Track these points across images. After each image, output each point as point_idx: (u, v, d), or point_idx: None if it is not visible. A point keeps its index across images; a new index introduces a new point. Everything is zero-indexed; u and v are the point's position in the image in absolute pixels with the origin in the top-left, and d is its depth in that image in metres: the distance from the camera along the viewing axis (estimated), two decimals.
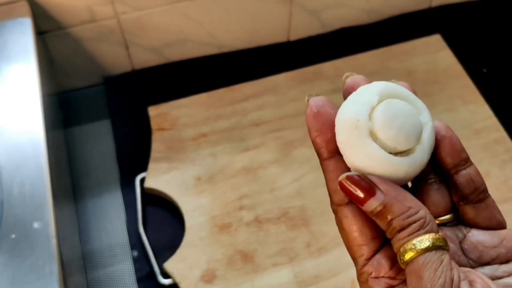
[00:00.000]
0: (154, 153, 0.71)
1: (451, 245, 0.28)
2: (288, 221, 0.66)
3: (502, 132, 0.74)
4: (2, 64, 0.60)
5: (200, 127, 0.74)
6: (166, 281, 0.63)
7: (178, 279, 0.62)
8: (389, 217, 0.26)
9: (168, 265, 0.63)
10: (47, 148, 0.54)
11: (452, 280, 0.25)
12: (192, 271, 0.62)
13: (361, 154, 0.27)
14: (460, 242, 0.29)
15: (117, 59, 0.79)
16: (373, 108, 0.27)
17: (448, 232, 0.29)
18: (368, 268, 0.28)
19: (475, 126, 0.75)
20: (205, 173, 0.70)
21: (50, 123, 0.61)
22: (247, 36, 0.83)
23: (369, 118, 0.27)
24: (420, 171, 0.28)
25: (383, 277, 0.28)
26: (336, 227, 0.30)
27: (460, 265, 0.28)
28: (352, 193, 0.27)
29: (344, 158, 0.28)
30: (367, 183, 0.27)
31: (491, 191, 0.30)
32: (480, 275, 0.27)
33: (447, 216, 0.29)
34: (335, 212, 0.29)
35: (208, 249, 0.64)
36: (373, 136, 0.27)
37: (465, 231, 0.29)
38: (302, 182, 0.69)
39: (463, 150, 0.30)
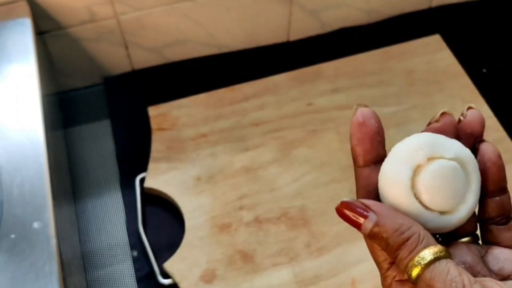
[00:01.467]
0: (154, 153, 0.71)
1: (473, 257, 0.29)
2: (288, 221, 0.66)
3: (502, 132, 0.74)
4: (1, 64, 0.60)
5: (200, 127, 0.74)
6: (166, 281, 0.63)
7: (178, 279, 0.62)
8: (384, 236, 0.27)
9: (168, 265, 0.63)
10: (47, 148, 0.54)
11: (463, 285, 0.26)
12: (192, 271, 0.62)
13: (403, 210, 0.28)
14: (482, 257, 0.30)
15: (116, 59, 0.79)
16: (418, 166, 0.29)
17: (471, 247, 0.30)
18: (391, 272, 0.29)
19: None
20: (205, 173, 0.70)
21: (50, 123, 0.61)
22: (247, 36, 0.83)
23: (414, 175, 0.28)
24: (448, 230, 0.30)
25: (406, 280, 0.28)
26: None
27: (482, 276, 0.29)
28: (350, 218, 0.28)
29: (379, 184, 0.30)
30: (360, 206, 0.28)
31: None
32: (497, 281, 0.27)
33: (467, 238, 0.31)
34: None
35: (208, 249, 0.64)
36: (416, 193, 0.28)
37: (486, 248, 0.30)
38: (302, 182, 0.69)
39: (505, 179, 0.31)
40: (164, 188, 0.68)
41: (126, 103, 0.78)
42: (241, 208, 0.67)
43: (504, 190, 0.31)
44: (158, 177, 0.69)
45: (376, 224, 0.27)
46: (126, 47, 0.78)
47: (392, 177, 0.29)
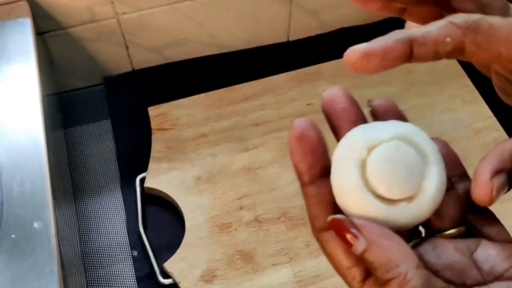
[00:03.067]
0: (154, 153, 0.71)
1: (464, 259, 0.27)
2: (288, 221, 0.66)
3: (501, 132, 0.74)
4: (2, 64, 0.60)
5: (200, 127, 0.74)
6: (166, 281, 0.63)
7: (178, 279, 0.62)
8: (373, 266, 0.25)
9: (168, 265, 0.63)
10: (47, 148, 0.54)
11: None
12: (192, 271, 0.62)
13: (355, 204, 0.26)
14: (472, 254, 0.28)
15: (117, 59, 0.79)
16: (362, 162, 0.27)
17: (459, 244, 0.28)
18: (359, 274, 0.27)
19: (474, 126, 0.75)
20: (205, 173, 0.70)
21: (50, 123, 0.61)
22: (247, 36, 0.83)
23: (363, 173, 0.26)
24: (426, 217, 0.27)
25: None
26: None
27: (474, 281, 0.27)
28: (341, 233, 0.26)
29: (337, 200, 0.27)
30: (351, 227, 0.26)
31: None
32: None
33: (453, 230, 0.28)
34: (317, 239, 0.28)
35: (208, 249, 0.64)
36: (373, 190, 0.26)
37: (477, 242, 0.28)
38: None
39: (460, 164, 0.30)
40: (164, 188, 0.68)
41: (126, 103, 0.78)
42: (241, 208, 0.67)
43: (463, 174, 0.29)
44: (158, 177, 0.69)
45: (366, 250, 0.25)
46: (127, 47, 0.78)
47: (344, 185, 0.26)
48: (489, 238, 0.28)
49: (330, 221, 0.26)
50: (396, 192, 0.26)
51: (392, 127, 0.27)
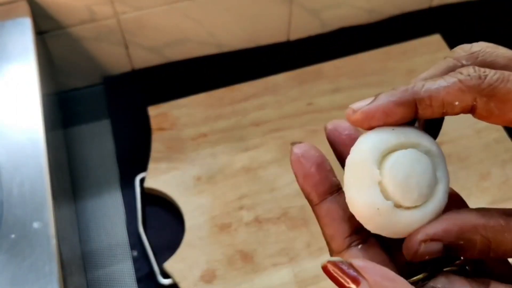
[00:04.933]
0: (154, 153, 0.71)
1: None
2: (288, 221, 0.66)
3: (502, 132, 0.74)
4: (2, 64, 0.60)
5: (200, 127, 0.74)
6: (166, 281, 0.63)
7: (178, 279, 0.62)
8: None
9: (168, 265, 0.63)
10: (47, 148, 0.54)
11: None
12: (192, 271, 0.62)
13: (367, 205, 0.26)
14: None
15: (116, 59, 0.79)
16: (384, 157, 0.26)
17: (474, 284, 0.26)
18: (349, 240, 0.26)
19: (475, 126, 0.74)
20: (205, 173, 0.70)
21: (50, 123, 0.61)
22: (247, 36, 0.83)
23: (379, 166, 0.26)
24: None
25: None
26: None
27: None
28: (338, 280, 0.25)
29: (347, 200, 0.26)
30: (351, 271, 0.24)
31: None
32: None
33: (452, 267, 0.27)
34: None
35: (208, 249, 0.64)
36: (382, 187, 0.26)
37: (487, 283, 0.26)
38: None
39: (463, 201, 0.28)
40: (164, 188, 0.68)
41: (126, 103, 0.78)
42: (241, 208, 0.67)
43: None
44: (158, 177, 0.69)
45: None
46: (126, 47, 0.78)
47: (362, 197, 0.26)
48: (499, 279, 0.26)
49: (327, 263, 0.25)
50: (411, 201, 0.26)
51: (401, 133, 0.27)
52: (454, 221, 0.25)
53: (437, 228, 0.26)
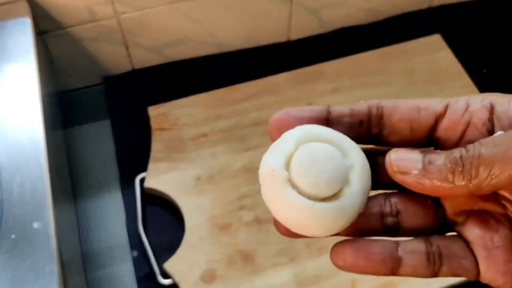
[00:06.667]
0: (154, 153, 0.71)
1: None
2: None
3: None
4: (2, 64, 0.60)
5: (200, 127, 0.74)
6: (166, 281, 0.63)
7: (178, 279, 0.62)
8: None
9: (168, 265, 0.63)
10: (47, 148, 0.54)
11: None
12: (192, 271, 0.62)
13: (281, 204, 0.26)
14: None
15: (117, 59, 0.79)
16: (291, 156, 0.27)
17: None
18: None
19: None
20: (205, 173, 0.70)
21: (50, 123, 0.61)
22: (247, 35, 0.83)
23: (286, 167, 0.27)
24: (355, 215, 0.27)
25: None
26: None
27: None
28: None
29: (271, 211, 0.27)
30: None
31: None
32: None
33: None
34: None
35: (208, 249, 0.64)
36: (293, 184, 0.26)
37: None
38: None
39: None
40: (164, 188, 0.68)
41: (126, 103, 0.78)
42: (241, 208, 0.67)
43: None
44: (158, 177, 0.69)
45: None
46: (127, 47, 0.78)
47: (265, 171, 0.28)
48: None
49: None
50: (325, 189, 0.26)
51: (298, 131, 0.28)
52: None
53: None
